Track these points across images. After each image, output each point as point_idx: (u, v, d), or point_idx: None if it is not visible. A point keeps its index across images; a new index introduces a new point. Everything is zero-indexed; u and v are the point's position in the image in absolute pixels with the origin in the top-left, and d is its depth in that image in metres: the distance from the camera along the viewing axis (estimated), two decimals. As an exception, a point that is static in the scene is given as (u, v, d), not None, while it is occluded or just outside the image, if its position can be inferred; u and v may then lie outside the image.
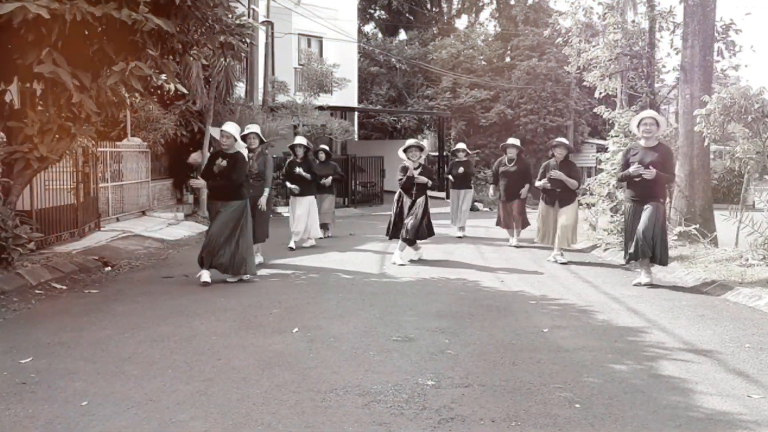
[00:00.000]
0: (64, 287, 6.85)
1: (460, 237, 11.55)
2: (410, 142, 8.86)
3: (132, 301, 6.21)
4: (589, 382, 3.95)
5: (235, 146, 7.11)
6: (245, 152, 7.43)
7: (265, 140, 8.64)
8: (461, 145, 12.14)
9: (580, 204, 10.20)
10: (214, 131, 7.29)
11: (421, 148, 8.70)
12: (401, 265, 8.41)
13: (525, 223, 10.53)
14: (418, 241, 8.70)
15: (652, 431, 3.26)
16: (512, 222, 10.50)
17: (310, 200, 9.98)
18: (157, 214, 13.20)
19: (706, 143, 8.86)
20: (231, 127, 7.13)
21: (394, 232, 8.71)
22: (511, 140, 10.83)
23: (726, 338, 4.97)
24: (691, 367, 4.27)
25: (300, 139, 10.29)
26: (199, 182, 7.25)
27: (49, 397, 3.65)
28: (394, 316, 5.63)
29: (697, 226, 9.08)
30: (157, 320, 5.43)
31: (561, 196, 8.92)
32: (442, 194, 21.30)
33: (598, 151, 22.49)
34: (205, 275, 7.02)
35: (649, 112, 7.54)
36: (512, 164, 10.51)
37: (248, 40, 8.20)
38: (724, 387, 3.89)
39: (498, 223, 10.87)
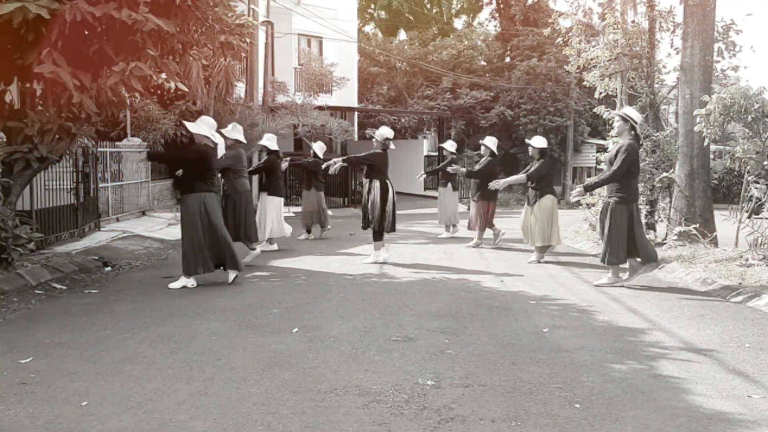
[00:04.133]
0: (64, 287, 6.85)
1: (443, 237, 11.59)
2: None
3: (132, 301, 6.21)
4: (589, 382, 3.95)
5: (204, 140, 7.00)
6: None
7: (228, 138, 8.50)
8: (446, 144, 12.34)
9: (578, 203, 10.14)
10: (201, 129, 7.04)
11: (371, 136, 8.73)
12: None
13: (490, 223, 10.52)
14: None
15: (652, 431, 3.26)
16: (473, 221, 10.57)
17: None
18: (157, 214, 13.22)
19: (706, 143, 8.86)
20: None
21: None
22: (486, 140, 10.87)
23: (726, 338, 4.97)
24: (691, 367, 4.27)
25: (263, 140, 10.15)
26: None
27: (49, 397, 3.65)
28: (394, 316, 5.63)
29: (697, 225, 9.08)
30: (157, 320, 5.43)
31: (533, 192, 8.96)
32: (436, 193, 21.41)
33: (598, 151, 22.49)
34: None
35: (618, 111, 7.51)
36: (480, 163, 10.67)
37: (248, 40, 8.21)
38: (724, 387, 3.89)
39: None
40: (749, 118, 7.93)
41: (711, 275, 7.20)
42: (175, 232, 11.51)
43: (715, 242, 9.13)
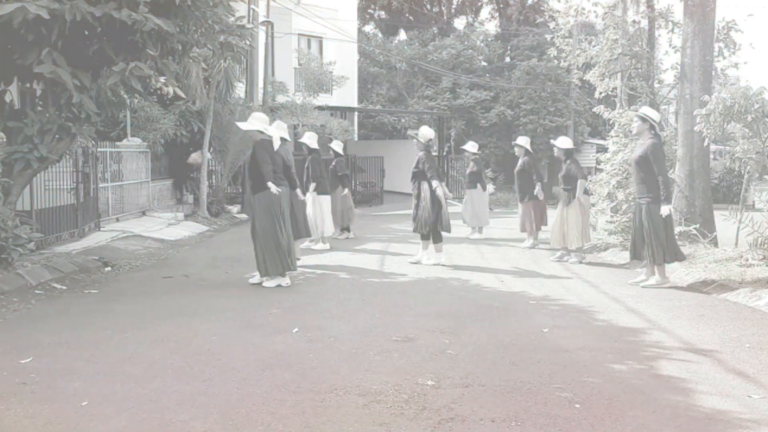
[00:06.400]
0: (64, 287, 6.85)
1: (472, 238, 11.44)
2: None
3: (132, 301, 6.20)
4: (589, 382, 3.95)
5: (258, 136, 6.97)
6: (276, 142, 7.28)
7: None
8: (467, 146, 12.06)
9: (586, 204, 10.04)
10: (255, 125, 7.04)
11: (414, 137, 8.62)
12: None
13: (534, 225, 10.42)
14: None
15: (652, 431, 3.26)
16: (525, 224, 10.48)
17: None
18: (157, 214, 13.20)
19: (706, 143, 8.86)
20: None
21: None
22: (518, 140, 10.84)
23: (726, 338, 4.97)
24: (691, 367, 4.27)
25: (304, 138, 10.22)
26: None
27: (49, 397, 3.65)
28: (394, 316, 5.63)
29: (697, 226, 9.08)
30: (157, 320, 5.43)
31: (564, 194, 8.99)
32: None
33: (598, 152, 22.50)
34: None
35: (636, 112, 7.54)
36: (518, 165, 10.57)
37: (248, 41, 8.21)
38: (724, 387, 3.89)
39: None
40: (749, 118, 7.93)
41: (711, 275, 7.20)
42: (175, 232, 11.52)
43: (715, 242, 9.13)
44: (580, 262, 8.75)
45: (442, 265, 8.34)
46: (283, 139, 8.38)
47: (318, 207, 9.84)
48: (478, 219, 11.59)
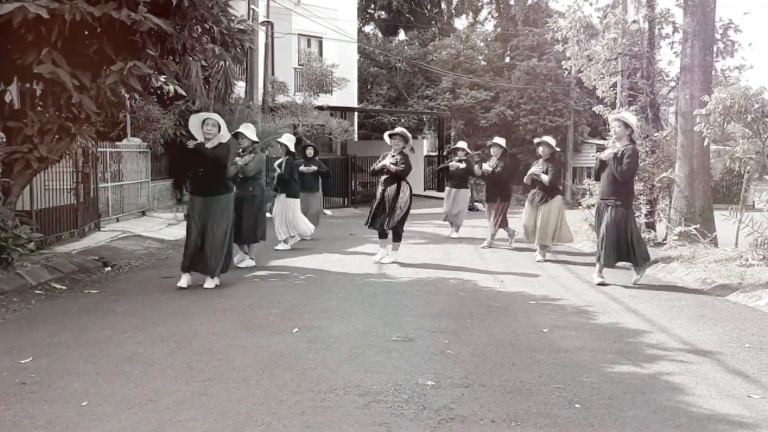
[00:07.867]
0: (64, 287, 6.85)
1: (454, 237, 11.49)
2: (396, 129, 8.75)
3: (132, 301, 6.20)
4: (588, 382, 3.95)
5: (219, 137, 6.86)
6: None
7: (257, 140, 8.44)
8: (461, 144, 12.13)
9: (578, 204, 10.12)
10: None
11: (405, 138, 8.56)
12: (384, 263, 8.51)
13: (503, 224, 10.47)
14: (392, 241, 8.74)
15: (652, 431, 3.26)
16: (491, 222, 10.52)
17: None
18: (157, 214, 13.21)
19: (706, 143, 8.86)
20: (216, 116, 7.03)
21: (372, 222, 8.74)
22: (496, 139, 10.83)
23: (726, 338, 4.98)
24: (691, 367, 4.27)
25: (283, 138, 10.24)
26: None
27: (49, 397, 3.65)
28: (394, 316, 5.63)
29: (697, 226, 9.08)
30: (157, 320, 5.43)
31: (541, 193, 9.03)
32: (442, 194, 21.39)
33: (597, 151, 22.49)
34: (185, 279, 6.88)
35: (617, 115, 7.64)
36: (496, 165, 10.53)
37: (247, 45, 8.20)
38: (724, 387, 3.89)
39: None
40: (749, 118, 7.93)
41: (711, 275, 7.20)
42: (175, 232, 11.52)
43: (715, 242, 9.14)
44: (543, 260, 8.85)
45: (399, 263, 8.52)
46: (255, 142, 8.41)
47: (290, 209, 9.82)
48: (454, 217, 11.67)
